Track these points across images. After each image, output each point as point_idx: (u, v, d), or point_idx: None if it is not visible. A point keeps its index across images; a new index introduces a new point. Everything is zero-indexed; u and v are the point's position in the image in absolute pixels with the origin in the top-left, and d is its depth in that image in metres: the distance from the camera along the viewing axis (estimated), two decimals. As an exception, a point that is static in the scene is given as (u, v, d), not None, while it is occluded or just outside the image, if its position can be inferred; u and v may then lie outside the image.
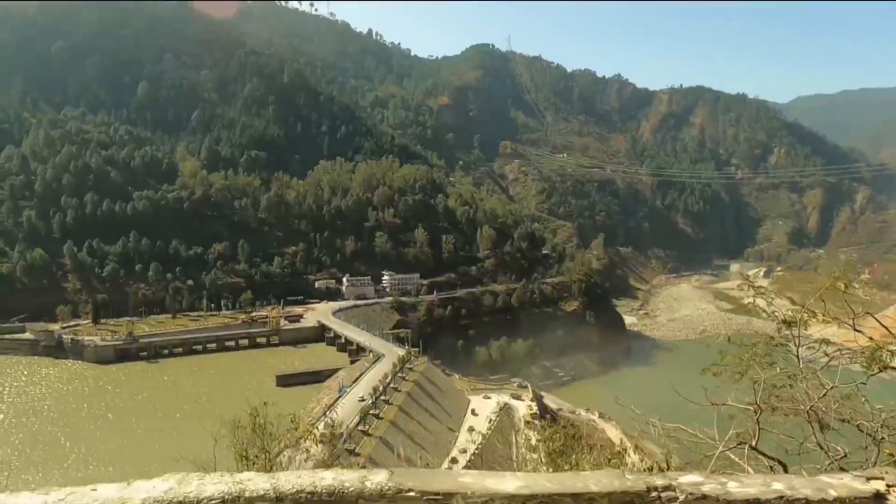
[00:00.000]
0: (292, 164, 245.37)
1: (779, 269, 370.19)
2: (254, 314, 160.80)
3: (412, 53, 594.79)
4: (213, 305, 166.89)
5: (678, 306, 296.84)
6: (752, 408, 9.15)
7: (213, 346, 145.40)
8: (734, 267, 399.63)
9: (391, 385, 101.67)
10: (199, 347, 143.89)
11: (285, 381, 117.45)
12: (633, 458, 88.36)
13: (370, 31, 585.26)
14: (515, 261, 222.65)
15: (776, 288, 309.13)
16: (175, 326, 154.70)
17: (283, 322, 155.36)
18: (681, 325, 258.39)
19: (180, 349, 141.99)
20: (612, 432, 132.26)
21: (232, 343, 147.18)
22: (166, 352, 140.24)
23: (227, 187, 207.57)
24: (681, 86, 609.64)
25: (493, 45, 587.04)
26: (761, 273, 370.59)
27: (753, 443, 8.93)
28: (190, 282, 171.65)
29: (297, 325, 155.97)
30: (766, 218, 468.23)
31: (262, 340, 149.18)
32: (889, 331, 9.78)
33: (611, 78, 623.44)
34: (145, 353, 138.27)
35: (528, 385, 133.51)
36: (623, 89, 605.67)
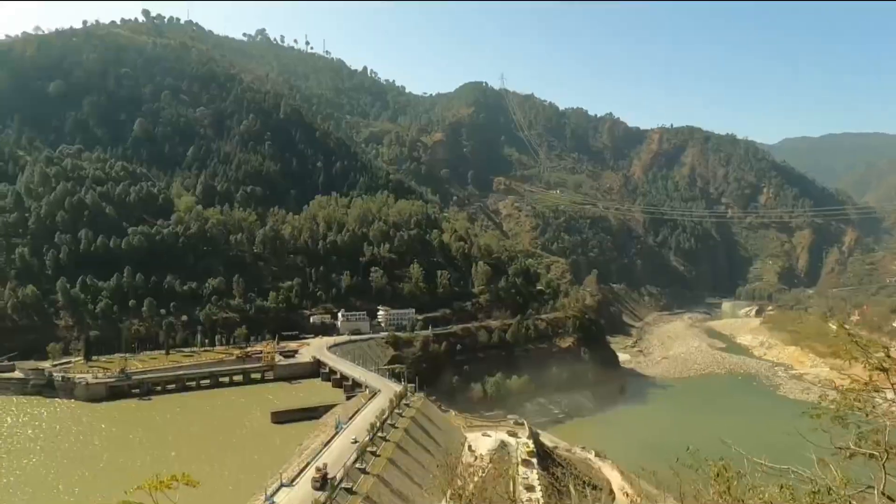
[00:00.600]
0: (288, 199, 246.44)
1: (770, 308, 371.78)
2: (248, 349, 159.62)
3: (406, 90, 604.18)
4: (207, 341, 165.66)
5: (671, 343, 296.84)
6: (877, 453, 9.31)
7: (207, 382, 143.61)
8: (726, 305, 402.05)
9: (388, 422, 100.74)
10: (193, 384, 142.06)
11: (281, 417, 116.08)
12: (633, 497, 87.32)
13: (365, 68, 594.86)
14: (510, 296, 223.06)
15: (768, 326, 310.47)
16: (168, 363, 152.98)
17: (277, 357, 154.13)
18: (674, 362, 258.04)
19: (173, 385, 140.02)
20: (610, 472, 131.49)
21: (226, 379, 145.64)
22: (159, 388, 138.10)
23: (222, 222, 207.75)
24: (671, 125, 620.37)
25: (486, 83, 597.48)
26: (752, 312, 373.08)
27: (882, 487, 9.00)
28: (184, 317, 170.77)
29: (292, 361, 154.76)
30: (756, 257, 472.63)
31: (257, 376, 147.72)
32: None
33: (603, 116, 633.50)
34: (137, 391, 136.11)
35: (525, 422, 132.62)
36: (615, 128, 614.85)
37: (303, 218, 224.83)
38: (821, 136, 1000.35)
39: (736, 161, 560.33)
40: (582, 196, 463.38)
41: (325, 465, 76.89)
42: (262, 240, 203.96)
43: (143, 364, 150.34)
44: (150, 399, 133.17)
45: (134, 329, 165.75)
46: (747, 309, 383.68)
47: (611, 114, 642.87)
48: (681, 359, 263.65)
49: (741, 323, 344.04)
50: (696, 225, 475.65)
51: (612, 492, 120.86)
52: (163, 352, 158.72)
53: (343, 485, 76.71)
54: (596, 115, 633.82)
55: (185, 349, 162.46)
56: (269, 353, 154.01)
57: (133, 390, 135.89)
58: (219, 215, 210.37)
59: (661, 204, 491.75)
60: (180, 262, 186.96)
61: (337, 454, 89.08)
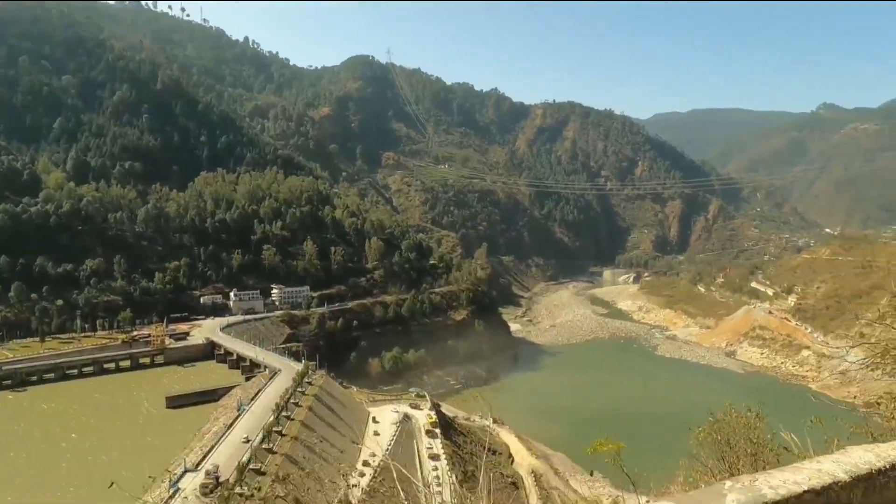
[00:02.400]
0: (170, 175, 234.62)
1: (646, 274, 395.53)
2: (135, 333, 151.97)
3: (291, 63, 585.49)
4: (87, 326, 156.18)
5: (558, 312, 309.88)
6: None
7: (91, 369, 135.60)
8: (607, 273, 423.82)
9: (292, 401, 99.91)
10: (74, 372, 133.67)
11: (176, 402, 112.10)
12: (530, 460, 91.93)
13: (246, 38, 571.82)
14: (404, 271, 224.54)
15: (645, 292, 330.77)
16: (44, 350, 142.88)
17: (167, 340, 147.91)
18: (562, 329, 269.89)
19: (52, 374, 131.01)
20: (507, 437, 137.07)
21: (112, 365, 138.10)
22: (35, 378, 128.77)
23: (98, 200, 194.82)
24: (554, 101, 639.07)
25: (373, 57, 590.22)
26: (631, 279, 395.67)
27: None
28: (59, 301, 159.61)
29: (183, 343, 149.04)
30: (633, 227, 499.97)
31: (146, 361, 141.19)
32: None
33: (488, 91, 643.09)
34: (10, 382, 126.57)
35: (426, 394, 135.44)
36: (500, 103, 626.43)
37: (188, 195, 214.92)
38: (688, 111, 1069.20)
39: (614, 135, 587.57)
40: (470, 170, 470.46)
41: (217, 468, 72.40)
42: (145, 218, 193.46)
43: (15, 353, 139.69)
44: (25, 390, 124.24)
45: (1, 315, 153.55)
46: (626, 276, 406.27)
47: (496, 89, 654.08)
48: (568, 326, 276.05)
49: (621, 289, 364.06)
50: (579, 197, 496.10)
51: (510, 455, 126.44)
52: (37, 339, 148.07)
53: (251, 466, 75.80)
54: (482, 90, 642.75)
55: (63, 335, 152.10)
56: (158, 336, 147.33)
57: (4, 381, 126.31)
58: (95, 192, 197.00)
59: (546, 177, 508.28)
60: (52, 243, 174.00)
61: (242, 436, 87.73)
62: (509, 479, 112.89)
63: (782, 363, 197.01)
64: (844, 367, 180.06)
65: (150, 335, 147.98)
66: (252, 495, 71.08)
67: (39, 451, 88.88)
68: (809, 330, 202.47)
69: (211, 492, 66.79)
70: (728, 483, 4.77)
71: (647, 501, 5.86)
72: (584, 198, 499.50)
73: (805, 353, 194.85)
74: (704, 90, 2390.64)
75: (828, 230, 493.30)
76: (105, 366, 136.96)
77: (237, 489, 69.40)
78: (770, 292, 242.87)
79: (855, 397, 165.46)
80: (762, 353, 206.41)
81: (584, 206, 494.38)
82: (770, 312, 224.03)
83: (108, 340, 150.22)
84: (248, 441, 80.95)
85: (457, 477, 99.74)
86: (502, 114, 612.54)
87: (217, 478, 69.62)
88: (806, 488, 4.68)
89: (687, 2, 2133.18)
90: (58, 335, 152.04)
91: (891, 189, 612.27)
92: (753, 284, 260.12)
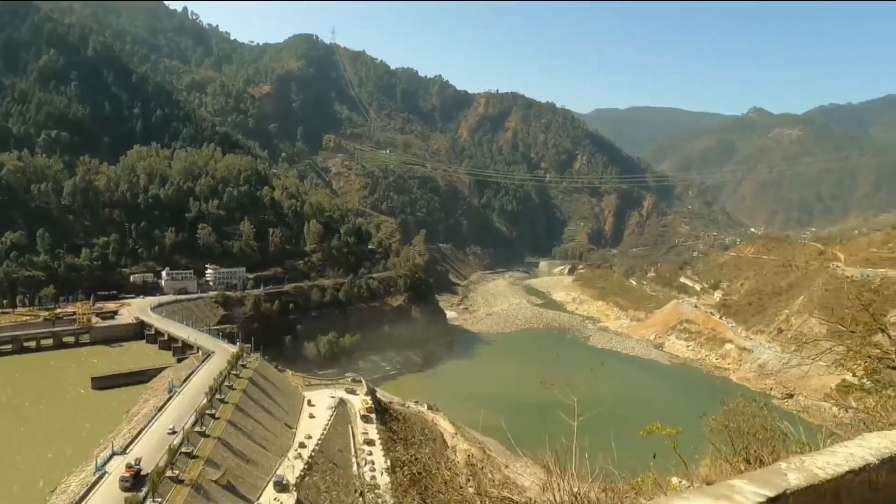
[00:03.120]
0: (101, 147, 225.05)
1: (581, 266, 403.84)
2: (58, 311, 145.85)
3: (231, 38, 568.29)
4: (5, 302, 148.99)
5: (494, 301, 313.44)
6: None
7: (9, 347, 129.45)
8: (543, 264, 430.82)
9: (225, 383, 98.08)
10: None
11: (103, 383, 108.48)
12: (463, 445, 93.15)
13: (185, 9, 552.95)
14: (342, 255, 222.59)
15: (579, 283, 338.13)
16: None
17: (94, 319, 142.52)
18: (497, 318, 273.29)
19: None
20: (443, 423, 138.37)
21: (32, 343, 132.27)
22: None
23: (21, 169, 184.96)
24: (497, 91, 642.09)
25: (316, 36, 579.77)
26: (566, 270, 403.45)
27: None
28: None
29: (111, 322, 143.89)
30: (570, 219, 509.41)
31: (71, 339, 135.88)
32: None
33: (432, 78, 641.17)
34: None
35: (362, 380, 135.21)
36: (444, 90, 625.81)
37: (120, 169, 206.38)
38: (627, 108, 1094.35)
39: (555, 128, 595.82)
40: (411, 156, 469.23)
41: (139, 461, 67.42)
42: (72, 191, 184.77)
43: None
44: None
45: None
46: (561, 267, 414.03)
47: (440, 76, 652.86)
48: (503, 315, 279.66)
49: (556, 280, 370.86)
50: (518, 188, 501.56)
51: (445, 442, 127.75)
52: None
53: (183, 449, 74.27)
54: (426, 77, 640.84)
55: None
56: (84, 314, 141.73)
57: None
58: (16, 161, 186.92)
59: (486, 167, 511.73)
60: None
61: (173, 419, 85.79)
62: (444, 465, 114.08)
63: (706, 356, 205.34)
64: (762, 361, 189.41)
65: (75, 313, 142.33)
66: (183, 480, 69.87)
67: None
68: (732, 324, 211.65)
69: (132, 486, 62.37)
70: (783, 464, 5.45)
71: (702, 484, 6.37)
72: (523, 188, 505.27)
73: (728, 346, 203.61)
74: (643, 88, 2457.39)
75: (752, 230, 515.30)
76: (25, 344, 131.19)
77: (167, 472, 68.03)
78: (698, 287, 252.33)
79: (771, 389, 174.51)
80: (688, 346, 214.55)
81: (523, 196, 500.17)
82: (697, 307, 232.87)
83: (28, 317, 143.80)
84: (173, 432, 76.71)
85: (391, 462, 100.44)
86: (445, 101, 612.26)
87: (139, 471, 65.22)
88: (847, 469, 5.42)
89: (628, 2, 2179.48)
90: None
91: (808, 192, 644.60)
92: (682, 279, 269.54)
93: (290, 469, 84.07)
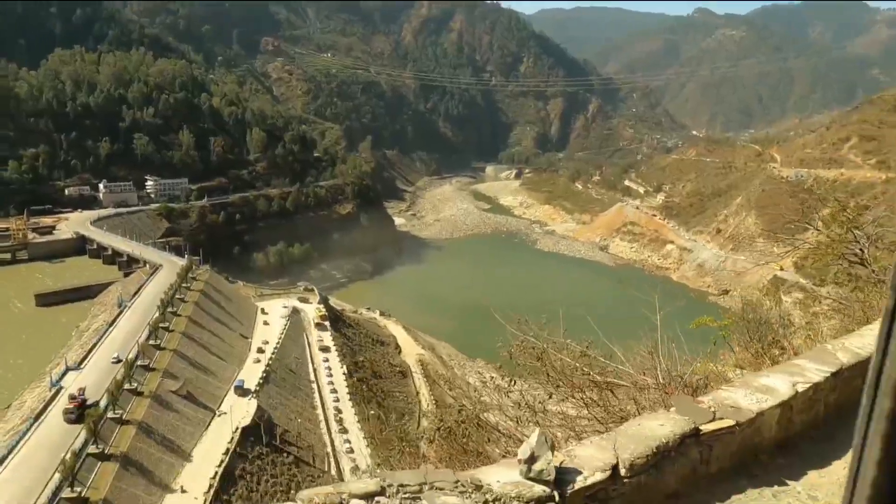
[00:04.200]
0: (16, 50, 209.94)
1: (527, 171, 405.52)
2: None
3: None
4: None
5: (442, 207, 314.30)
6: None
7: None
8: (489, 169, 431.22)
9: (177, 296, 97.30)
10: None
11: (47, 299, 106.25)
12: (417, 350, 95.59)
13: None
14: (288, 164, 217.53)
15: (526, 188, 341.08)
16: None
17: (31, 235, 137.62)
18: (445, 224, 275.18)
19: None
20: (394, 328, 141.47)
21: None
22: None
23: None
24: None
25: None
26: (513, 175, 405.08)
27: None
28: None
29: (49, 238, 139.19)
30: (516, 123, 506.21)
31: (6, 257, 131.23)
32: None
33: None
34: None
35: (315, 288, 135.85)
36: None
37: (42, 74, 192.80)
38: (572, 7, 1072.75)
39: (500, 30, 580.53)
40: (353, 60, 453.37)
41: (82, 391, 64.80)
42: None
43: None
44: None
45: None
46: (508, 172, 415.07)
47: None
48: (451, 220, 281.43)
49: (503, 185, 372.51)
50: (464, 92, 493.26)
51: (398, 346, 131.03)
52: None
53: (139, 362, 74.37)
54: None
55: None
56: (18, 229, 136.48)
57: None
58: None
59: (431, 70, 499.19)
60: None
61: (125, 333, 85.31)
62: (398, 369, 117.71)
63: (649, 256, 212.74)
64: (701, 261, 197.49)
65: (8, 229, 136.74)
66: (142, 392, 70.38)
67: None
68: (674, 226, 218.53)
69: (77, 419, 59.76)
70: (829, 345, 6.39)
71: (768, 366, 6.98)
72: (468, 93, 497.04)
73: (669, 247, 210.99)
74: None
75: (694, 132, 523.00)
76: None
77: (126, 385, 68.34)
78: (641, 190, 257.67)
79: (709, 286, 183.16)
80: (631, 248, 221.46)
81: (469, 101, 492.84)
82: (640, 209, 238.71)
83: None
84: (118, 361, 72.86)
85: (347, 367, 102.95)
86: (387, 1, 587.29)
87: (84, 401, 62.67)
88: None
89: None
90: None
91: (748, 94, 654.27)
92: (627, 182, 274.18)
93: (250, 375, 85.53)
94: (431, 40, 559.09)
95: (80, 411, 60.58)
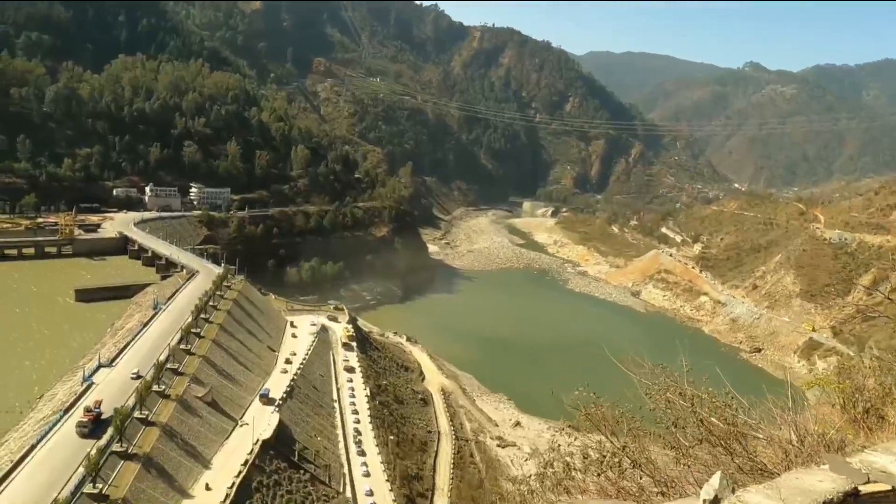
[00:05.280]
0: (84, 54, 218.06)
1: (564, 210, 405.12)
2: (40, 220, 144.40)
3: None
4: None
5: (476, 238, 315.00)
6: None
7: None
8: (526, 205, 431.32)
9: (210, 303, 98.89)
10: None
11: (87, 295, 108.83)
12: (441, 378, 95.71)
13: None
14: (329, 183, 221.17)
15: (562, 227, 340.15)
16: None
17: (77, 231, 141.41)
18: (479, 255, 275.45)
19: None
20: (419, 355, 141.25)
21: (14, 251, 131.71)
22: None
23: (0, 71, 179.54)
24: (493, 24, 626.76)
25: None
26: (549, 212, 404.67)
27: None
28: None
29: (94, 236, 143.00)
30: (556, 162, 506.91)
31: (52, 250, 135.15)
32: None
33: (427, 7, 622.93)
34: None
35: (344, 307, 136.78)
36: (439, 20, 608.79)
37: (104, 78, 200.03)
38: (621, 52, 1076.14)
39: (548, 68, 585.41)
40: (402, 86, 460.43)
41: (98, 404, 62.85)
42: (55, 98, 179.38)
43: None
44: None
45: None
46: (545, 209, 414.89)
47: (436, 5, 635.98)
48: (484, 252, 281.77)
49: (539, 222, 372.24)
50: (507, 126, 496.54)
51: (422, 373, 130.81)
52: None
53: (168, 366, 75.56)
54: (421, 4, 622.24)
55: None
56: (66, 225, 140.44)
57: None
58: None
59: (477, 102, 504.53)
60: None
61: (156, 336, 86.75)
62: (420, 396, 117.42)
63: (681, 306, 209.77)
64: (735, 315, 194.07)
65: (57, 223, 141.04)
66: (169, 395, 71.37)
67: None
68: (709, 277, 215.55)
69: (90, 433, 58.72)
70: None
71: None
72: (512, 127, 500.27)
73: (703, 298, 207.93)
74: (639, 33, 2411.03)
75: (736, 185, 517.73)
76: (6, 252, 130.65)
77: (154, 387, 69.39)
78: (678, 239, 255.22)
79: (741, 342, 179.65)
80: (664, 296, 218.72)
81: (512, 135, 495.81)
82: (676, 258, 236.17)
83: (9, 225, 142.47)
84: (138, 377, 70.11)
85: (370, 390, 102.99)
86: (440, 32, 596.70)
87: (99, 415, 61.47)
88: None
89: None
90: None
91: (795, 151, 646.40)
92: (664, 230, 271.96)
93: (276, 385, 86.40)
94: (480, 73, 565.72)
95: (94, 425, 59.88)
